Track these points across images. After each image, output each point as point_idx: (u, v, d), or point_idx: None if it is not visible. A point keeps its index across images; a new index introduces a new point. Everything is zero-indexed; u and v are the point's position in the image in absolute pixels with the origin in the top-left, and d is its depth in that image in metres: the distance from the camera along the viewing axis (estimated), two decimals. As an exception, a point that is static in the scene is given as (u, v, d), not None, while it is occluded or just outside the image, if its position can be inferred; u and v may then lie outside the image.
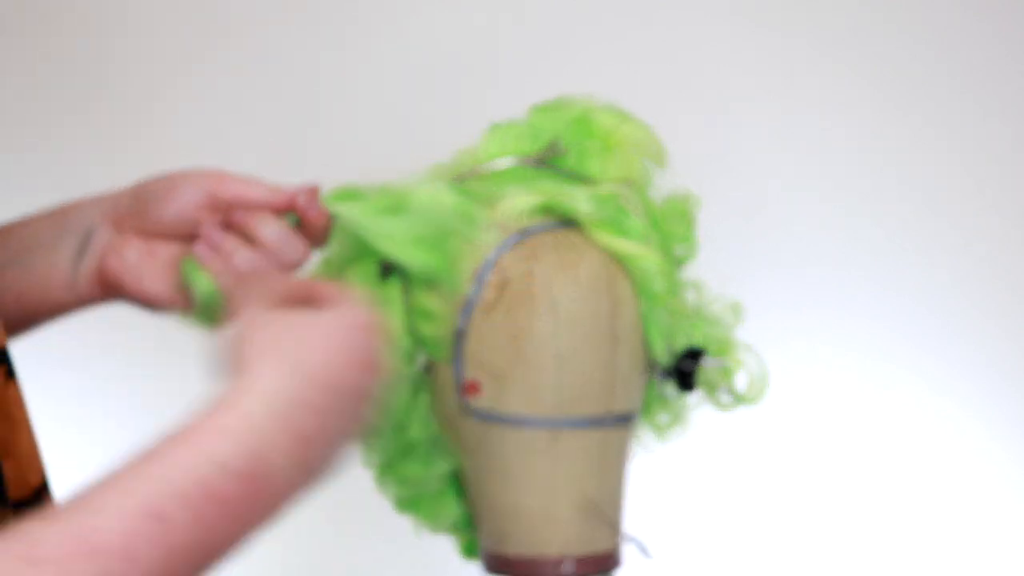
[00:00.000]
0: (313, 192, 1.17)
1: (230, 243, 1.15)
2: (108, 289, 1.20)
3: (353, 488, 1.92)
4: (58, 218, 1.19)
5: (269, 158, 2.05)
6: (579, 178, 1.24)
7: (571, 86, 1.31)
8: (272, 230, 1.15)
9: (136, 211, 1.17)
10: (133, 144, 2.04)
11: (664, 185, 1.30)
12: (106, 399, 2.03)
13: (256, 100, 2.05)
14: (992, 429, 1.95)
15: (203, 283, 1.15)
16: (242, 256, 1.15)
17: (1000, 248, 1.95)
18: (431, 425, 1.25)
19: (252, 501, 0.87)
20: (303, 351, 0.95)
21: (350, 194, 1.21)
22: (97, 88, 2.05)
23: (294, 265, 1.17)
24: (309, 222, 1.16)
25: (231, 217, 1.15)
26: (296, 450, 0.90)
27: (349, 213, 1.17)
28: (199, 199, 1.16)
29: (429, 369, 1.23)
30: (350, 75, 2.03)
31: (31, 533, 0.80)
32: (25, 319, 1.19)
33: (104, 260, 1.18)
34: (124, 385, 2.02)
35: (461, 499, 1.29)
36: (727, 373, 1.26)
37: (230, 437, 0.87)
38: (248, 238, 1.15)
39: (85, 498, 0.84)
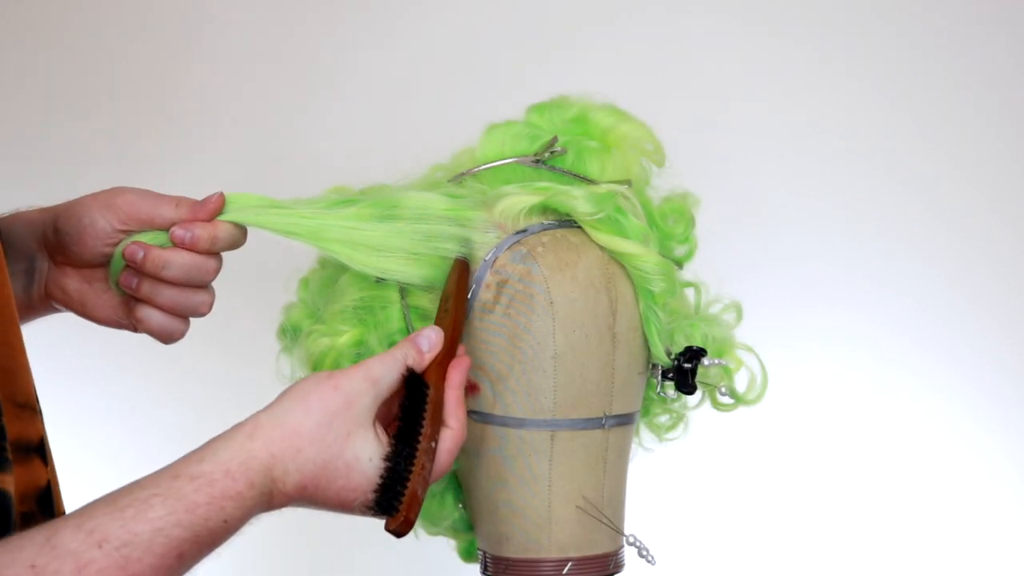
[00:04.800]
0: (206, 205, 1.18)
1: (146, 287, 1.18)
2: (59, 308, 1.24)
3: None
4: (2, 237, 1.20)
5: (268, 159, 2.04)
6: (578, 177, 1.24)
7: (569, 86, 1.31)
8: (175, 268, 1.17)
9: (59, 247, 1.19)
10: (132, 145, 2.04)
11: (663, 185, 1.29)
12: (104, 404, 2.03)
13: (254, 100, 2.05)
14: (991, 429, 1.94)
15: None
16: (164, 296, 1.18)
17: (1000, 248, 1.95)
18: (430, 426, 1.25)
19: (201, 555, 1.00)
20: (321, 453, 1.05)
21: (341, 202, 1.21)
22: (96, 85, 2.05)
23: (208, 281, 1.20)
24: (196, 243, 1.17)
25: (134, 261, 1.17)
26: (240, 525, 1.02)
27: (254, 220, 1.18)
28: (111, 232, 1.18)
29: (428, 370, 1.23)
30: (349, 76, 2.03)
31: (79, 554, 0.92)
32: None
33: (48, 288, 1.22)
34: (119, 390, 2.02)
35: (460, 501, 1.29)
36: (727, 373, 1.26)
37: (229, 505, 1.00)
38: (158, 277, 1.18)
39: (121, 522, 0.94)
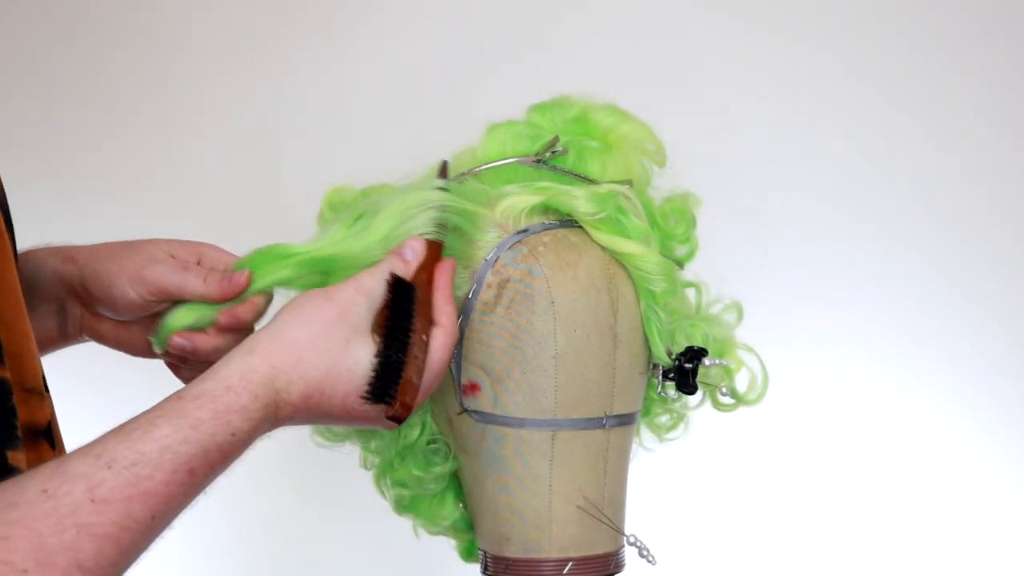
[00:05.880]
0: (234, 284, 1.17)
1: (186, 373, 1.20)
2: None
3: (352, 490, 1.92)
4: (26, 284, 1.21)
5: (268, 158, 2.04)
6: (579, 177, 1.24)
7: (570, 86, 1.31)
8: (225, 347, 1.16)
9: (91, 301, 1.20)
10: (132, 145, 2.04)
11: (664, 185, 1.29)
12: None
13: (254, 100, 2.05)
14: (991, 429, 1.94)
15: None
16: (212, 359, 1.17)
17: (1000, 248, 1.95)
18: (430, 426, 1.25)
19: (213, 470, 1.00)
20: (321, 364, 1.06)
21: (354, 219, 1.20)
22: (96, 85, 2.05)
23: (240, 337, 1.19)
24: (243, 326, 1.17)
25: (185, 352, 1.17)
26: (250, 439, 1.03)
27: (283, 279, 1.17)
28: (142, 304, 1.18)
29: (428, 370, 1.22)
30: (349, 76, 2.03)
31: (89, 475, 0.93)
32: None
33: (85, 329, 1.24)
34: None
35: (460, 501, 1.29)
36: (728, 373, 1.25)
37: (235, 419, 1.01)
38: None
39: (128, 444, 0.95)
